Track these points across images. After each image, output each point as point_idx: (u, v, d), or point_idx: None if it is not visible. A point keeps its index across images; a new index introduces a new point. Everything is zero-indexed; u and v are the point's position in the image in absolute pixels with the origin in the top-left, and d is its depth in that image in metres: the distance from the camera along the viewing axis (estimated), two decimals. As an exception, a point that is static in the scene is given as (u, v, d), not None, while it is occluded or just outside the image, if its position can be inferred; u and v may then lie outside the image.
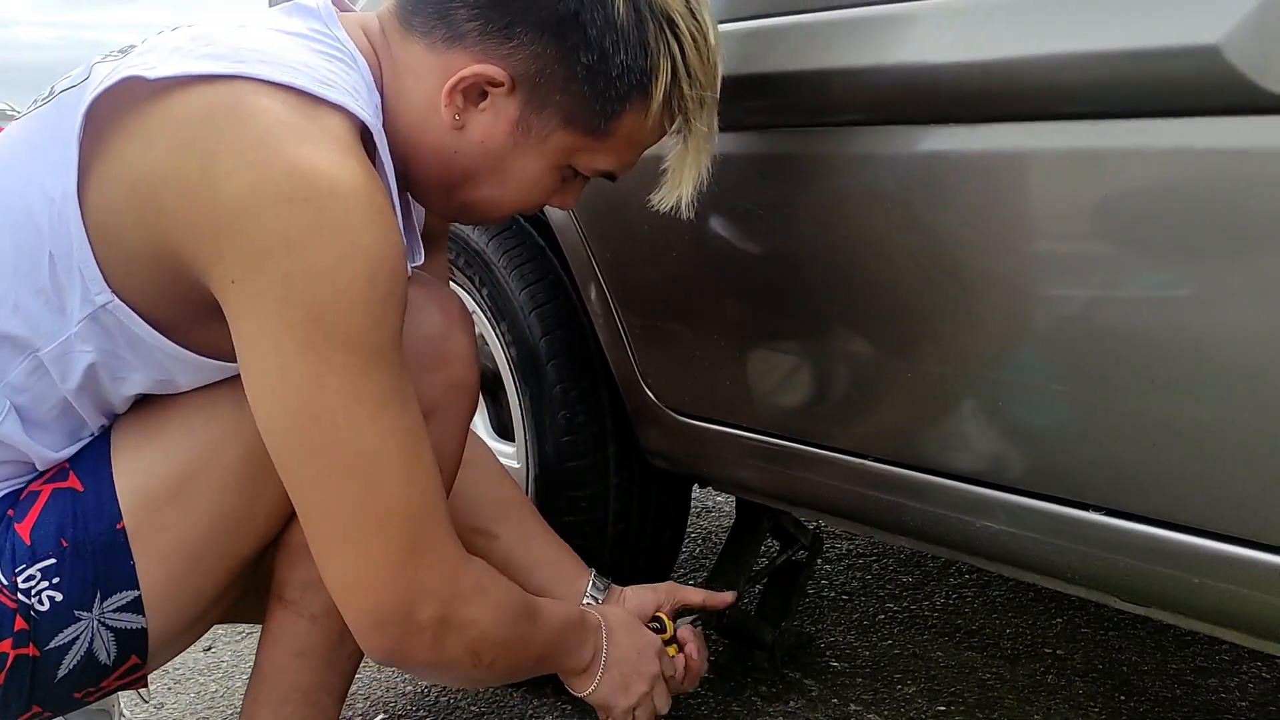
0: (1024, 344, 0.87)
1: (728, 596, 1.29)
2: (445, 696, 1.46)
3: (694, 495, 1.68)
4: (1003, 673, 1.46)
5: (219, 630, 1.70)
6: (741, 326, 1.11)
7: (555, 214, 1.27)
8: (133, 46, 0.86)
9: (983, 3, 0.83)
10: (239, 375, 0.85)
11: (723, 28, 0.99)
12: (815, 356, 1.05)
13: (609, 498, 1.34)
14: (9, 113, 8.39)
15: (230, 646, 1.68)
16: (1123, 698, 1.39)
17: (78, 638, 0.88)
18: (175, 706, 1.50)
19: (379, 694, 1.49)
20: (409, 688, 1.50)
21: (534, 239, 1.36)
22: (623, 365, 1.26)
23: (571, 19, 0.83)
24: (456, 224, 1.40)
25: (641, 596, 1.21)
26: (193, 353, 0.86)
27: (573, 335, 1.32)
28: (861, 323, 0.99)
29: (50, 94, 0.86)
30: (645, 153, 0.93)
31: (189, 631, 0.95)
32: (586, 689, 1.07)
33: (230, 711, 1.47)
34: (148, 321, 0.83)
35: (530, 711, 1.41)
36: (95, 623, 0.88)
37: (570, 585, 1.20)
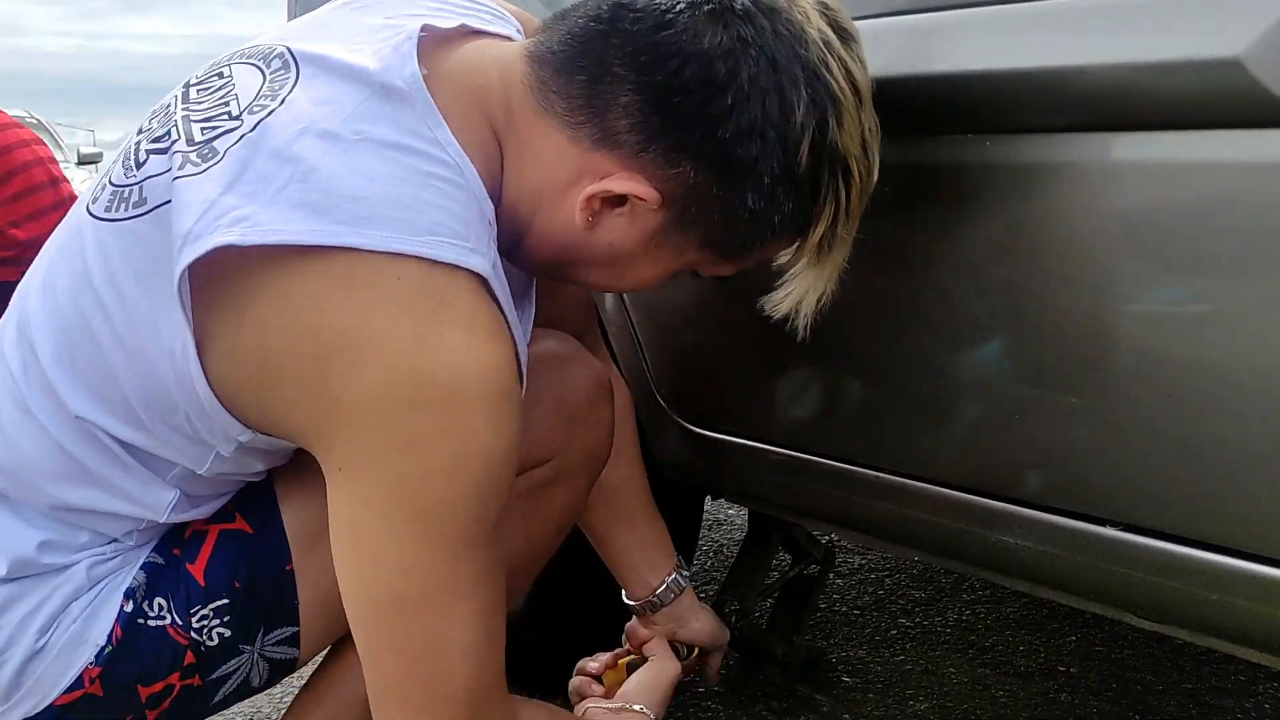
0: (1042, 358, 0.87)
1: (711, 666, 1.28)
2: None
3: (706, 508, 1.68)
4: (1016, 690, 1.45)
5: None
6: (757, 339, 1.11)
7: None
8: (218, 74, 0.81)
9: (1003, 14, 0.83)
10: None
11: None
12: (830, 368, 1.05)
13: (621, 508, 1.34)
14: (27, 120, 8.46)
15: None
16: (1137, 717, 1.38)
17: (238, 668, 0.91)
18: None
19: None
20: None
21: (549, 249, 1.36)
22: (637, 375, 1.26)
23: (749, 165, 0.76)
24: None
25: (700, 634, 1.22)
26: None
27: (587, 345, 1.32)
28: (876, 334, 0.99)
29: (141, 199, 0.78)
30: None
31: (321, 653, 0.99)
32: None
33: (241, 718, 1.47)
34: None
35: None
36: (255, 655, 0.91)
37: (647, 573, 1.19)
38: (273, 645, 0.91)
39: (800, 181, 0.78)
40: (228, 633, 0.89)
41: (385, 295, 0.71)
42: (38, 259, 0.87)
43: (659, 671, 1.14)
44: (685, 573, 1.22)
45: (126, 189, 0.79)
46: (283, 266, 0.72)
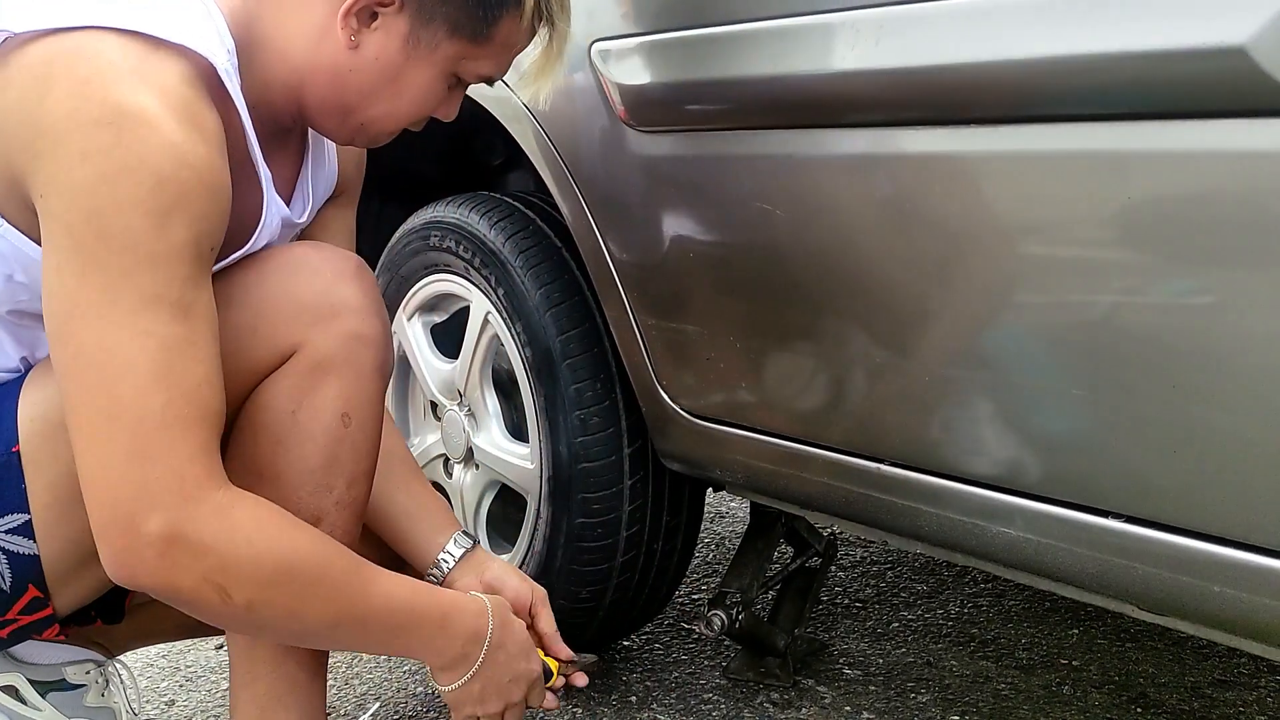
0: (1045, 348, 0.87)
1: (569, 654, 1.17)
2: (456, 698, 1.46)
3: (708, 500, 1.68)
4: (1018, 683, 1.45)
5: (231, 628, 1.70)
6: (758, 329, 1.11)
7: (572, 214, 1.27)
8: None
9: (1006, 3, 0.82)
10: None
11: (761, 25, 0.99)
12: (832, 360, 1.05)
13: (623, 500, 1.34)
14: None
15: (242, 645, 1.68)
16: (1139, 710, 1.37)
17: None
18: (186, 704, 1.50)
19: (389, 694, 1.49)
20: (420, 689, 1.50)
21: (551, 239, 1.36)
22: (638, 367, 1.26)
23: None
24: (467, 222, 1.40)
25: (507, 579, 1.14)
26: None
27: (588, 336, 1.32)
28: (879, 326, 0.98)
29: None
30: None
31: (87, 567, 0.93)
32: (447, 685, 1.00)
33: (241, 709, 1.47)
34: (31, 239, 0.86)
35: (538, 712, 1.40)
36: None
37: (429, 539, 1.15)
38: (5, 534, 0.90)
39: None
40: None
41: (105, 53, 0.81)
42: None
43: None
44: (466, 540, 1.16)
45: None
46: (34, 43, 0.82)
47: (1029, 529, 0.91)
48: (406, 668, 1.56)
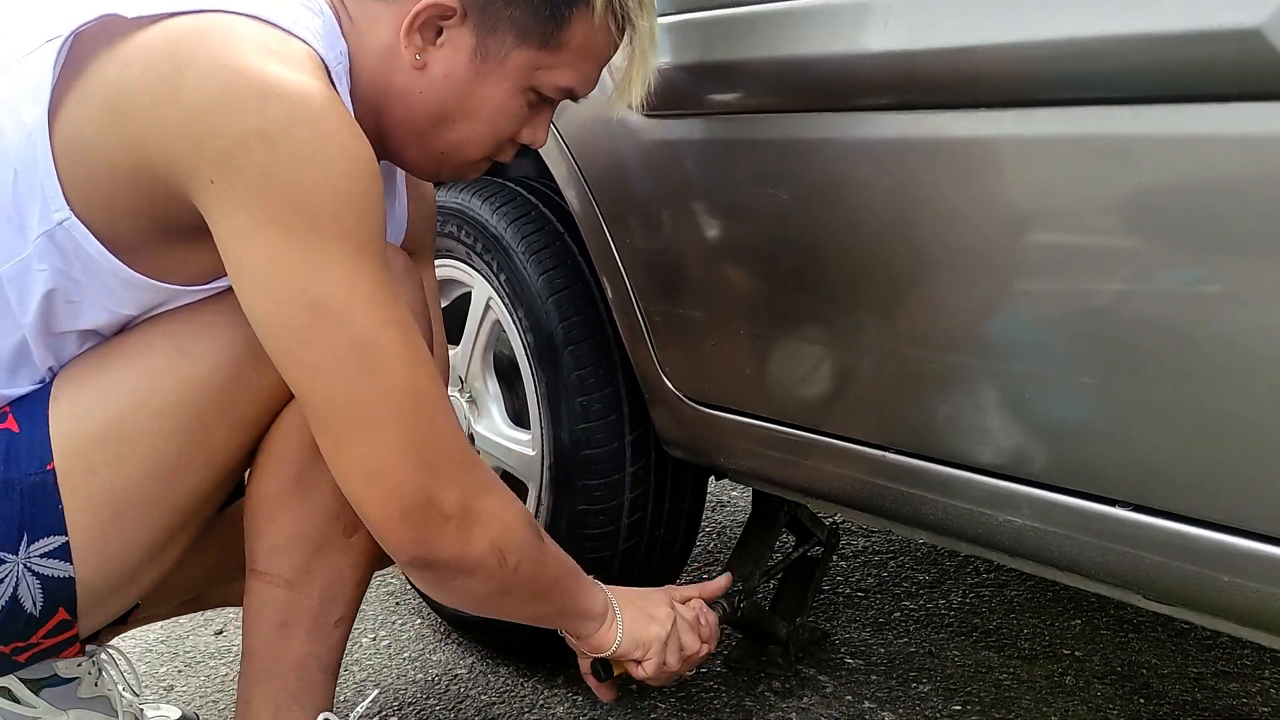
0: (1052, 335, 0.86)
1: (720, 581, 1.25)
2: (456, 685, 1.45)
3: (709, 489, 1.67)
4: (1020, 673, 1.44)
5: (229, 614, 1.70)
6: (762, 315, 1.10)
7: (575, 201, 1.26)
8: None
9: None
10: (176, 318, 0.86)
11: (769, 7, 0.98)
12: (837, 346, 1.04)
13: (624, 487, 1.33)
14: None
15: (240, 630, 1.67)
16: (1142, 701, 1.37)
17: (3, 581, 0.86)
18: (185, 689, 1.49)
19: (389, 681, 1.48)
20: (420, 675, 1.49)
21: (553, 225, 1.35)
22: (641, 353, 1.25)
23: None
24: (468, 207, 1.39)
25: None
26: (143, 276, 0.86)
27: (590, 322, 1.31)
28: (885, 312, 0.97)
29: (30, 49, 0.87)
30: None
31: (121, 590, 0.92)
32: (610, 641, 1.04)
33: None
34: (102, 243, 0.83)
35: (541, 701, 1.40)
36: (20, 567, 0.86)
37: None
38: (40, 557, 0.86)
39: None
40: None
41: (243, 28, 0.78)
42: None
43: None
44: None
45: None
46: (150, 24, 0.78)
47: (1036, 518, 0.90)
48: (406, 655, 1.56)
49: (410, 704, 1.42)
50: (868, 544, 1.93)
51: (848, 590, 1.73)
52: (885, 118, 0.93)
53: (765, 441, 1.14)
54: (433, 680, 1.47)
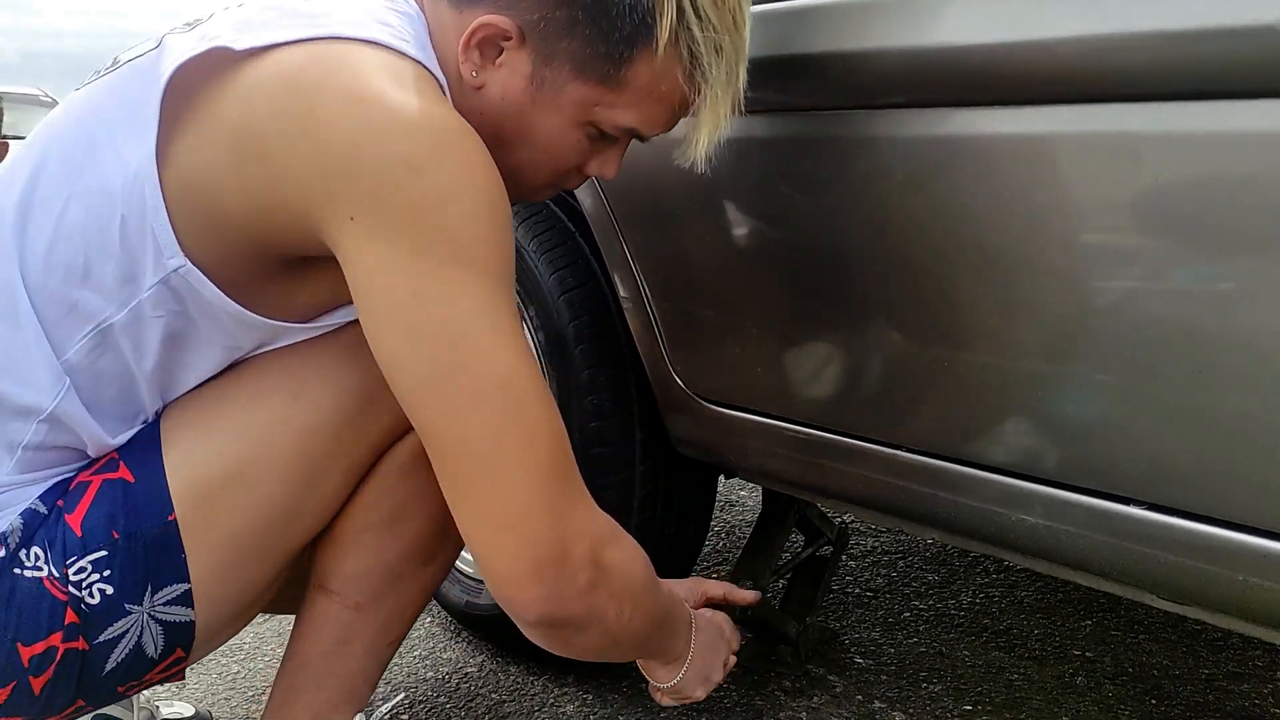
0: (1066, 333, 0.85)
1: (750, 595, 1.25)
2: (466, 683, 1.46)
3: (719, 488, 1.67)
4: (1030, 674, 1.44)
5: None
6: (774, 313, 1.10)
7: (587, 199, 1.26)
8: (199, 20, 0.85)
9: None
10: (288, 361, 0.85)
11: (763, 8, 0.98)
12: (849, 345, 1.04)
13: (634, 486, 1.33)
14: (41, 98, 8.46)
15: (251, 628, 1.68)
16: (1153, 702, 1.36)
17: (127, 631, 0.86)
18: (197, 687, 1.50)
19: (399, 679, 1.48)
20: (430, 673, 1.49)
21: (564, 223, 1.35)
22: (652, 351, 1.25)
23: None
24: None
25: (689, 589, 1.18)
26: (257, 315, 0.86)
27: (601, 320, 1.31)
28: (898, 311, 0.97)
29: (115, 64, 0.86)
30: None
31: (233, 624, 0.95)
32: (670, 680, 1.04)
33: (252, 693, 1.47)
34: (217, 285, 0.82)
35: (551, 699, 1.40)
36: (145, 616, 0.87)
37: None
38: (164, 605, 0.86)
39: None
40: (110, 589, 0.84)
41: (367, 57, 0.76)
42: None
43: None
44: None
45: (103, 66, 0.87)
46: (265, 57, 0.77)
47: (1049, 516, 0.90)
48: (417, 653, 1.56)
49: (421, 702, 1.42)
50: (877, 543, 1.93)
51: (857, 590, 1.73)
52: (898, 116, 0.92)
53: (777, 440, 1.13)
54: (443, 678, 1.47)
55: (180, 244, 0.80)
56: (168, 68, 0.78)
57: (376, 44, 0.77)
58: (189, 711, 1.35)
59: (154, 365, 0.86)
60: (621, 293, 1.26)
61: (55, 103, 8.60)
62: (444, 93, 0.82)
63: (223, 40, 0.77)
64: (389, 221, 0.73)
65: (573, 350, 1.31)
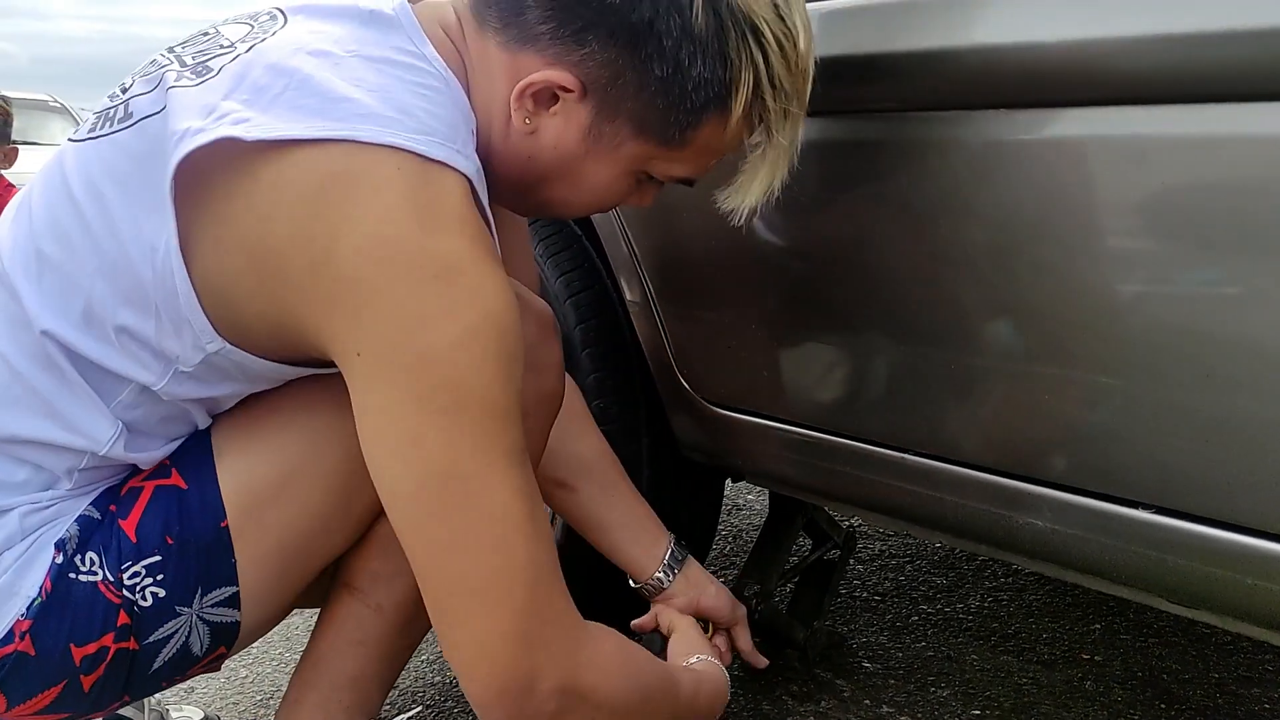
0: (1074, 337, 0.85)
1: (764, 662, 1.26)
2: (473, 687, 1.45)
3: (725, 492, 1.67)
4: (1039, 678, 1.44)
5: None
6: (781, 317, 1.10)
7: (593, 202, 1.26)
8: (204, 33, 0.85)
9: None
10: (338, 378, 0.85)
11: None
12: (856, 348, 1.03)
13: (640, 490, 1.33)
14: (51, 104, 8.49)
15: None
16: (1163, 706, 1.36)
17: (176, 632, 0.88)
18: (205, 691, 1.50)
19: (407, 684, 1.48)
20: (438, 678, 1.49)
21: (570, 227, 1.35)
22: (658, 355, 1.25)
23: (646, 28, 0.79)
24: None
25: (719, 602, 1.19)
26: (303, 366, 0.88)
27: (607, 324, 1.31)
28: (904, 314, 0.97)
29: (127, 115, 0.83)
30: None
31: (273, 621, 0.97)
32: None
33: (260, 696, 1.47)
34: (255, 354, 0.84)
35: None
36: (194, 617, 0.89)
37: (647, 550, 1.18)
38: (212, 607, 0.89)
39: (703, 42, 0.79)
40: (162, 592, 0.86)
41: (389, 184, 0.74)
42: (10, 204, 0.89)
43: (693, 631, 1.13)
44: (681, 552, 1.20)
45: (111, 109, 0.84)
46: (280, 157, 0.75)
47: (1057, 520, 0.90)
48: (425, 658, 1.56)
49: (429, 706, 1.42)
50: (885, 547, 1.92)
51: (865, 594, 1.73)
52: (902, 119, 0.92)
53: (784, 444, 1.13)
54: (450, 683, 1.47)
55: (216, 328, 0.81)
56: (174, 155, 0.76)
57: (399, 150, 0.75)
58: (198, 715, 1.35)
59: (199, 399, 0.88)
60: (628, 296, 1.26)
61: (64, 108, 8.62)
62: (473, 184, 0.80)
63: (231, 124, 0.75)
64: (395, 369, 0.74)
65: (579, 354, 1.31)
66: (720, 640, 1.21)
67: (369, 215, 0.74)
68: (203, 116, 0.76)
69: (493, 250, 0.78)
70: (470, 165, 0.80)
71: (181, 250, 0.78)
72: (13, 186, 2.84)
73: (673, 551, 1.18)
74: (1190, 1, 0.73)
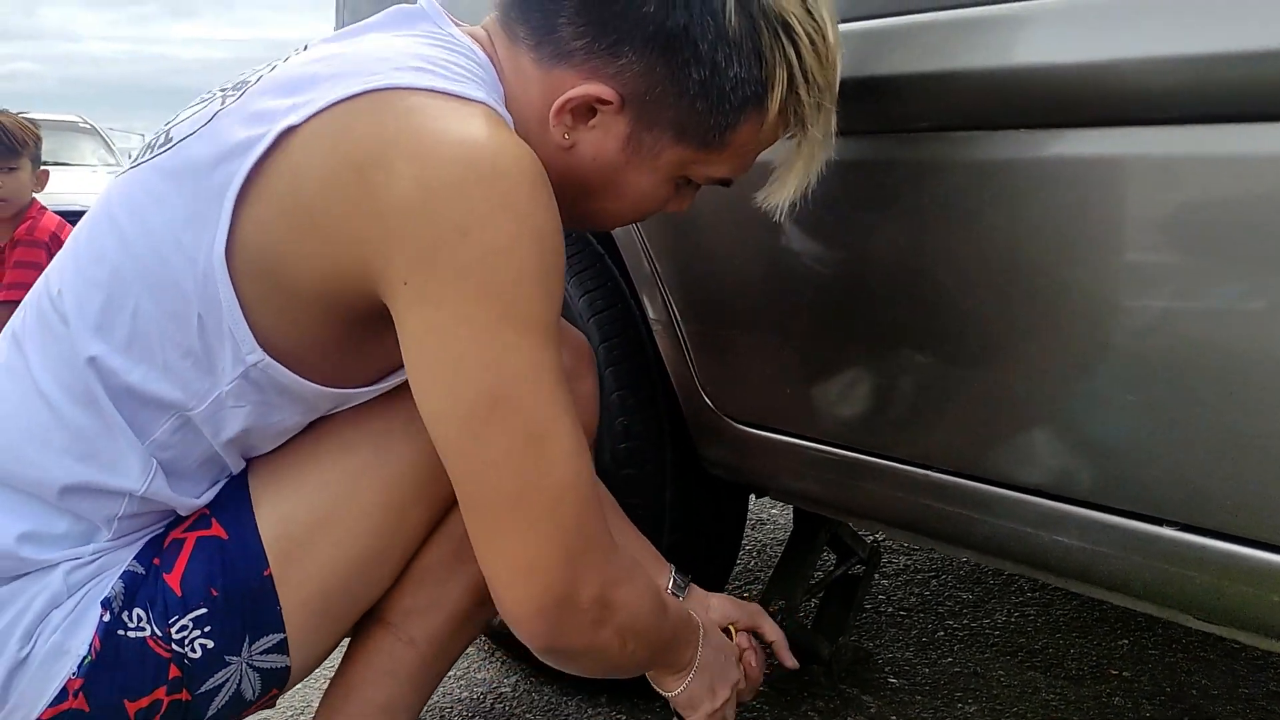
0: (1099, 354, 0.85)
1: (794, 662, 1.25)
2: (501, 704, 1.46)
3: (749, 507, 1.67)
4: (1067, 694, 1.43)
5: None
6: (805, 334, 1.10)
7: (616, 221, 1.27)
8: (245, 81, 0.86)
9: (1095, 4, 0.80)
10: (371, 415, 0.88)
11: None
12: (880, 365, 1.04)
13: (665, 507, 1.34)
14: (80, 125, 8.60)
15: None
16: (1193, 722, 1.35)
17: (227, 680, 0.89)
18: (234, 707, 1.51)
19: (436, 700, 1.49)
20: (465, 693, 1.50)
21: (593, 246, 1.36)
22: (681, 373, 1.25)
23: (681, 34, 0.80)
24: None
25: (726, 610, 1.19)
26: (332, 389, 0.89)
27: (630, 342, 1.32)
28: (929, 331, 0.97)
29: (167, 140, 0.85)
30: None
31: (320, 660, 0.98)
32: (676, 689, 1.04)
33: (290, 713, 1.48)
34: (293, 370, 0.85)
35: (585, 719, 1.40)
36: (244, 665, 0.89)
37: (659, 575, 1.18)
38: (261, 654, 0.90)
39: (737, 43, 0.80)
40: (210, 644, 0.87)
41: (417, 103, 0.76)
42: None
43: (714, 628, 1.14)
44: (683, 579, 1.20)
45: (154, 139, 0.87)
46: (317, 120, 0.77)
47: (1083, 538, 0.89)
48: (452, 673, 1.57)
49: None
50: (909, 562, 1.92)
51: (890, 609, 1.72)
52: (930, 139, 0.93)
53: (807, 460, 1.14)
54: (478, 699, 1.48)
55: (257, 338, 0.82)
56: (237, 171, 0.78)
57: (434, 91, 0.77)
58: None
59: (233, 437, 0.88)
60: (651, 314, 1.27)
61: (94, 129, 8.72)
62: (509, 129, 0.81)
63: (282, 120, 0.77)
64: (439, 286, 0.74)
65: (603, 372, 1.32)
66: (743, 638, 1.20)
67: (394, 137, 0.75)
68: (256, 124, 0.79)
69: (538, 162, 0.78)
70: (504, 112, 0.81)
71: (226, 255, 0.79)
72: (45, 210, 2.88)
73: (675, 580, 1.19)
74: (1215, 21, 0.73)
